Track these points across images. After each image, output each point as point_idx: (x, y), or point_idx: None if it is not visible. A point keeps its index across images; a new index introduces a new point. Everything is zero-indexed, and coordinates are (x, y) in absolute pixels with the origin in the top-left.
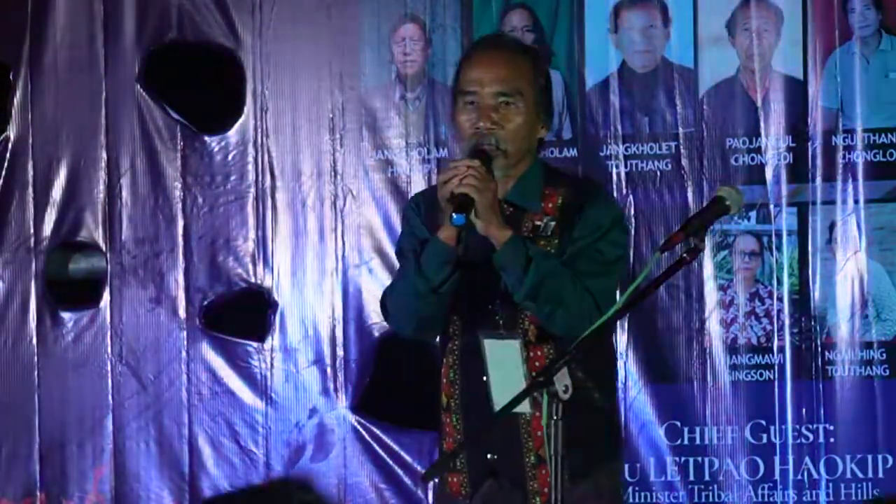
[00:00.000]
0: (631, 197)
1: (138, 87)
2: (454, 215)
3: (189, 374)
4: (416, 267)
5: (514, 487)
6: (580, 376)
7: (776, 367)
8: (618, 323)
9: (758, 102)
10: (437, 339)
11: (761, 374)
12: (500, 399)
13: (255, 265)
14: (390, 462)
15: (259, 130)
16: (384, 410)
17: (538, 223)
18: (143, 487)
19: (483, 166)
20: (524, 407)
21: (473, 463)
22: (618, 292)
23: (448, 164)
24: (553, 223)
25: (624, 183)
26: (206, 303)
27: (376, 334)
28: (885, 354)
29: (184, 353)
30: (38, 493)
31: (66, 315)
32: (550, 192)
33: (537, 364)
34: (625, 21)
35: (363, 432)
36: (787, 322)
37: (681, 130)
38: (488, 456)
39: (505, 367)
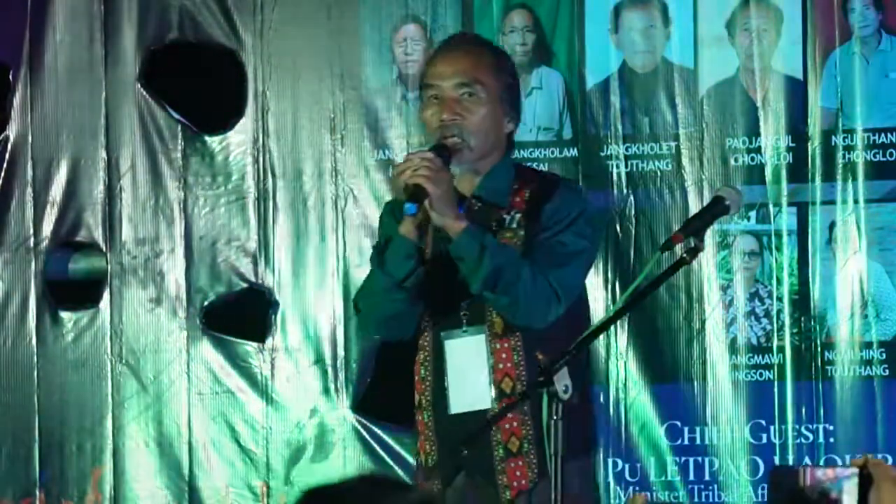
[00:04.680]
0: (631, 197)
1: (139, 87)
2: (406, 204)
3: (189, 374)
4: (379, 263)
5: (487, 482)
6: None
7: (776, 367)
8: (618, 323)
9: (758, 102)
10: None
11: (761, 374)
12: (456, 401)
13: (256, 265)
14: (390, 462)
15: (260, 130)
16: (384, 410)
17: (505, 216)
18: (143, 487)
19: (439, 158)
20: (486, 403)
21: (445, 461)
22: (586, 283)
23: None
24: (518, 215)
25: (624, 183)
26: (206, 303)
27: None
28: (884, 354)
29: (184, 353)
30: (38, 493)
31: (65, 315)
32: (520, 187)
33: (503, 356)
34: (625, 21)
35: (363, 432)
36: (787, 322)
37: (681, 130)
38: (463, 452)
39: (469, 362)
